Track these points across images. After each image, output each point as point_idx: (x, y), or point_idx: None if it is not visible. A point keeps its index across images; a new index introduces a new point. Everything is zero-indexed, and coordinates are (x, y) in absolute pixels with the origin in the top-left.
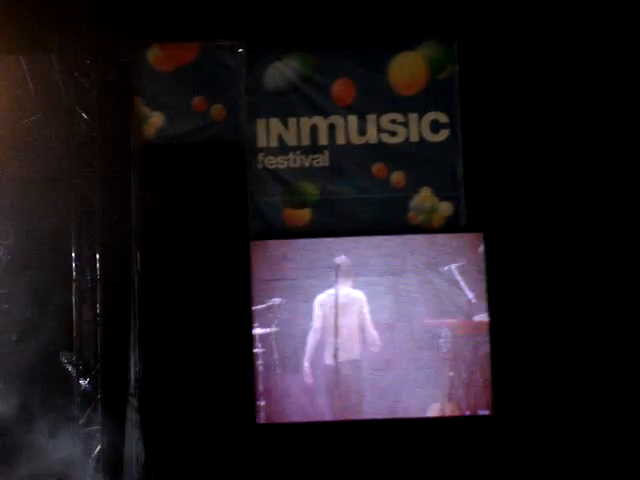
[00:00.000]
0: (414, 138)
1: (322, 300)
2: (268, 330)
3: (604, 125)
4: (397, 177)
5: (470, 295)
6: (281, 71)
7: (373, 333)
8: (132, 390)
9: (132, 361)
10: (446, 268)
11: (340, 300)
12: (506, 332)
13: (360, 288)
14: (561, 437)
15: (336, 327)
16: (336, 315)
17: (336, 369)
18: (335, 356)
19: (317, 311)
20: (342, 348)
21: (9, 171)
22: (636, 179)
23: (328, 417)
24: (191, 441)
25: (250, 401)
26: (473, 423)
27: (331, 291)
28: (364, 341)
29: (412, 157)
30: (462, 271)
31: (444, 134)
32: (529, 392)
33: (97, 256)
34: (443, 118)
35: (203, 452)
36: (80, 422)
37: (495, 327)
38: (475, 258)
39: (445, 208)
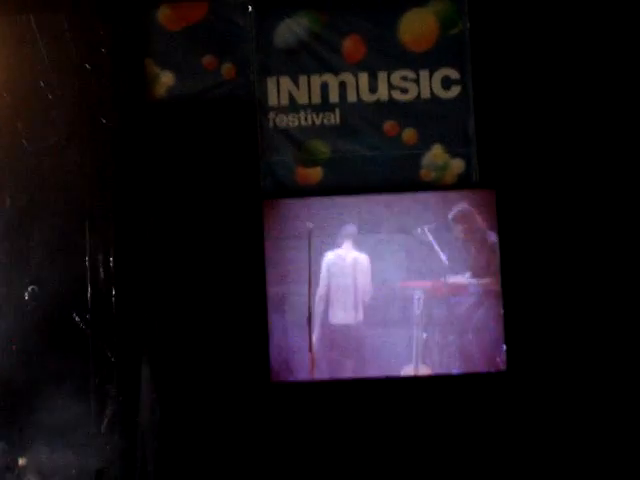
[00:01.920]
0: (425, 95)
1: (329, 260)
2: (282, 288)
3: (621, 76)
4: (408, 134)
5: (443, 256)
6: (291, 29)
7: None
8: (147, 348)
9: (147, 319)
10: (419, 230)
11: (343, 262)
12: (516, 292)
13: (372, 246)
14: (552, 393)
15: (309, 287)
16: (309, 277)
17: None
18: (309, 319)
19: (324, 272)
20: (340, 310)
21: (20, 131)
22: None
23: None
24: (206, 398)
25: (264, 360)
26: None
27: (341, 252)
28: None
29: (423, 114)
30: (434, 232)
31: (455, 90)
32: (540, 353)
33: (110, 215)
34: (454, 74)
35: (218, 409)
36: (95, 381)
37: (505, 287)
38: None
39: (457, 165)
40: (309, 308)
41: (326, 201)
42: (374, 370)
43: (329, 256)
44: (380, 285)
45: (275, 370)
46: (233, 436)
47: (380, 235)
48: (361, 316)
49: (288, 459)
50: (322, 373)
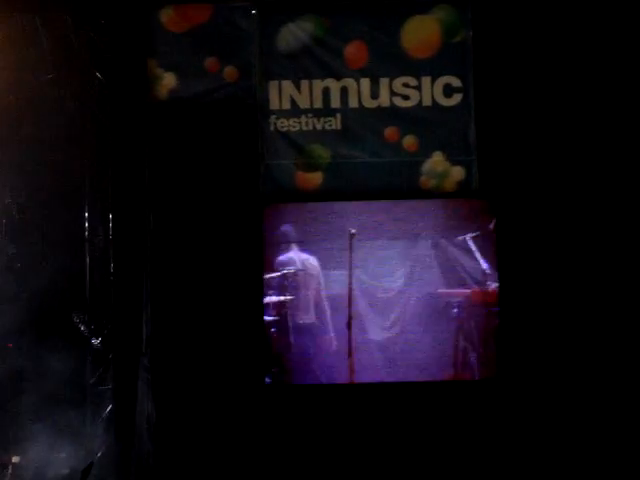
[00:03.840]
0: (427, 102)
1: (284, 262)
2: (282, 297)
3: (621, 87)
4: (409, 141)
5: (485, 265)
6: (294, 33)
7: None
8: (144, 350)
9: (144, 321)
10: (461, 238)
11: (306, 266)
12: (515, 301)
13: (372, 253)
14: (560, 404)
15: (349, 290)
16: (349, 281)
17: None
18: (349, 324)
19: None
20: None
21: (24, 130)
22: None
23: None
24: (201, 401)
25: (260, 362)
26: (478, 387)
27: (291, 254)
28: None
29: (424, 121)
30: (477, 241)
31: (457, 98)
32: (534, 360)
33: (110, 216)
34: (456, 82)
35: (213, 411)
36: (92, 381)
37: (504, 295)
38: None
39: (457, 173)
40: (349, 312)
41: (326, 206)
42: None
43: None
44: (410, 290)
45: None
46: (230, 439)
47: (379, 241)
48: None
49: (285, 459)
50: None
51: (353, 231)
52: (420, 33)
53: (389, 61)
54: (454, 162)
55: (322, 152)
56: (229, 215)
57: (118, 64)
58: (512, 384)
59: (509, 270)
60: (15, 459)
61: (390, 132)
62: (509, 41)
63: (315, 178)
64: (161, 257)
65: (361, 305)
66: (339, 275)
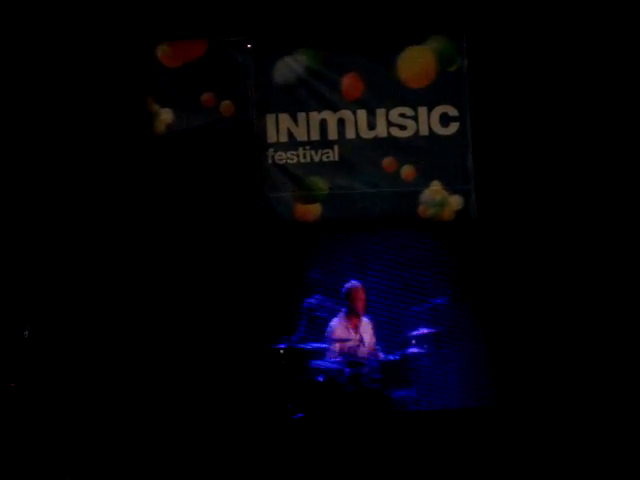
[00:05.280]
0: (424, 132)
1: None
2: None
3: (612, 115)
4: (407, 171)
5: None
6: (290, 66)
7: None
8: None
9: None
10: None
11: None
12: (511, 325)
13: (372, 282)
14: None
15: None
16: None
17: None
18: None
19: None
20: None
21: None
22: None
23: None
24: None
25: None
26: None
27: None
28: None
29: (422, 151)
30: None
31: (454, 127)
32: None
33: (113, 257)
34: (452, 111)
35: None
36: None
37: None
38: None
39: (455, 201)
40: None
41: (325, 237)
42: None
43: None
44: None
45: None
46: None
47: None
48: None
49: None
50: None
51: None
52: (415, 63)
53: (385, 92)
54: (452, 191)
55: (320, 184)
56: (230, 248)
57: (115, 100)
58: None
59: (510, 295)
60: None
61: (388, 162)
62: (504, 69)
63: (314, 209)
64: (159, 290)
65: None
66: None
